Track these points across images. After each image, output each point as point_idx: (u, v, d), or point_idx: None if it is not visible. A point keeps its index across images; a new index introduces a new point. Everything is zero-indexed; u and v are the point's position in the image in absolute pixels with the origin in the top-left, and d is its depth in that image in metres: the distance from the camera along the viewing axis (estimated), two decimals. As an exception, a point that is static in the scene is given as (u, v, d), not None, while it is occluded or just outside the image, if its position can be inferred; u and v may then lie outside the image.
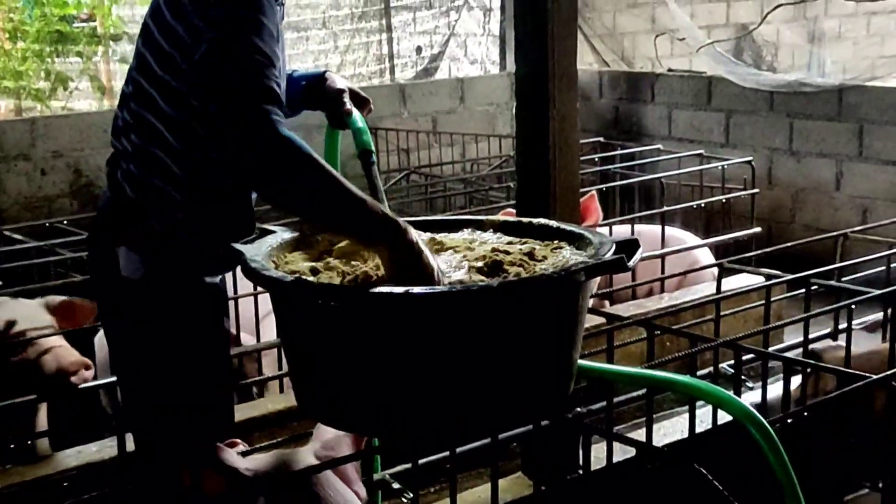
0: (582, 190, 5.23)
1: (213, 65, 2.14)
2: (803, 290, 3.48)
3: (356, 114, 2.71)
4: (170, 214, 2.42)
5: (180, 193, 2.41)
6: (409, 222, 2.35)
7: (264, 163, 2.04)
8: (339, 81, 2.74)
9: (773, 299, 3.55)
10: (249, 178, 2.10)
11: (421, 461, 2.63)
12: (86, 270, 2.69)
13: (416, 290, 1.99)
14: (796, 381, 3.01)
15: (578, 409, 2.62)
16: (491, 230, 2.49)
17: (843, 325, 3.29)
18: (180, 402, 2.50)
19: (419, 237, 2.12)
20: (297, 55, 7.93)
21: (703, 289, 4.84)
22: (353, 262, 2.23)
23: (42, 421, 3.43)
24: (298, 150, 2.05)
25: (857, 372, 2.70)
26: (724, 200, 5.62)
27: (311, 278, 2.14)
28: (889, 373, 2.73)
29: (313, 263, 2.21)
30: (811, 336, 3.27)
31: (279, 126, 2.07)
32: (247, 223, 2.49)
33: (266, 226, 2.49)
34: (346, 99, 2.70)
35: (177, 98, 2.35)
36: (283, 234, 2.40)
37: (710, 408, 2.76)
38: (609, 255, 2.15)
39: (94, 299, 2.66)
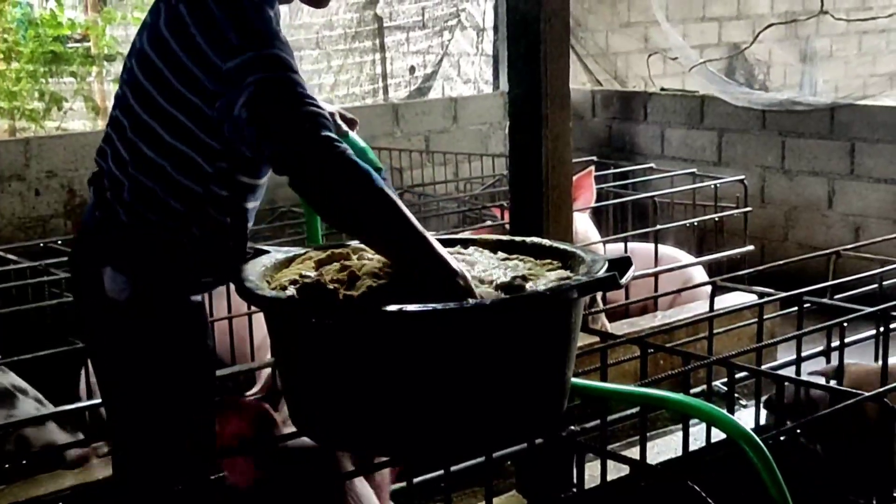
0: (595, 205, 5.31)
1: (261, 110, 2.18)
2: (796, 308, 3.49)
3: (353, 134, 2.71)
4: (161, 242, 2.39)
5: (177, 224, 2.38)
6: None
7: (341, 196, 2.13)
8: (325, 106, 2.74)
9: (765, 317, 3.56)
10: (326, 210, 2.19)
11: (416, 479, 2.63)
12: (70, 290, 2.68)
13: (410, 307, 2.00)
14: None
15: (572, 427, 2.62)
16: (486, 249, 2.50)
17: (835, 343, 3.30)
18: (168, 421, 2.49)
19: (471, 282, 2.15)
20: (291, 75, 7.92)
21: (697, 307, 4.84)
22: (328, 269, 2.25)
23: None
24: (372, 183, 2.13)
25: (850, 389, 2.71)
26: (717, 219, 5.63)
27: (290, 289, 2.16)
28: (882, 389, 2.74)
29: (293, 276, 2.22)
30: (804, 354, 3.28)
31: (347, 153, 2.15)
32: (240, 250, 2.48)
33: (259, 246, 2.51)
34: (340, 121, 2.71)
35: (183, 132, 2.31)
36: (276, 255, 2.41)
37: (703, 425, 2.76)
38: (601, 273, 2.16)
39: (78, 319, 2.64)
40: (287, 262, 2.38)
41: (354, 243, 2.42)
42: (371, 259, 2.26)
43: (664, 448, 3.45)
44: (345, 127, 2.70)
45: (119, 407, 2.55)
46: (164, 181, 2.35)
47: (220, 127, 2.27)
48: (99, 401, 3.21)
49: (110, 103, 7.34)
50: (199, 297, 2.55)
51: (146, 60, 2.34)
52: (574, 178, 4.31)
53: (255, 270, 2.29)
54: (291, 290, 2.15)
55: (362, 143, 2.70)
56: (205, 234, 2.41)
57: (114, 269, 2.39)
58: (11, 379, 3.66)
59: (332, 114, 2.69)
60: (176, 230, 2.38)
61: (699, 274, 5.24)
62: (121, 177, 2.39)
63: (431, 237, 2.17)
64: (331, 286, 2.11)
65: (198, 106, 2.28)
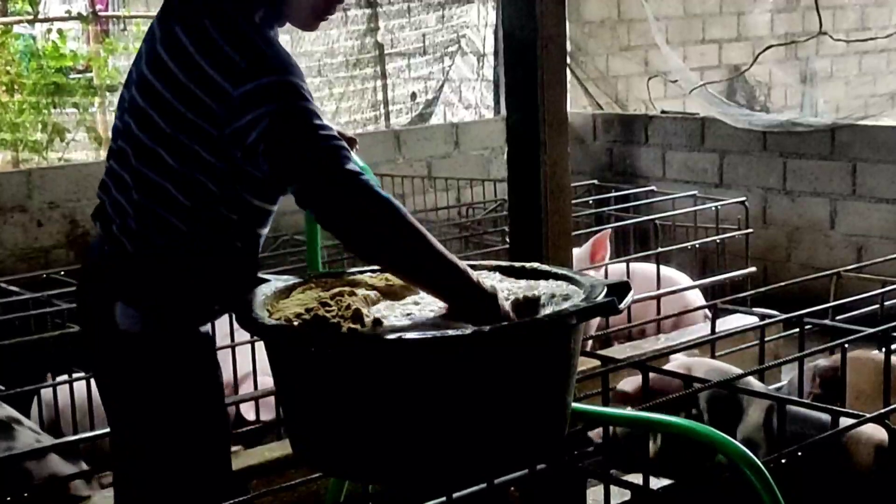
0: (596, 229, 5.31)
1: (280, 142, 2.20)
2: (798, 330, 3.49)
3: (353, 155, 2.72)
4: (170, 269, 2.40)
5: (184, 249, 2.39)
6: None
7: (369, 229, 2.16)
8: None
9: (767, 339, 3.56)
10: (356, 245, 2.23)
11: (418, 507, 2.62)
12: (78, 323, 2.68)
13: (408, 336, 2.00)
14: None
15: (575, 453, 2.62)
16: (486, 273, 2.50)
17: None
18: (181, 452, 2.49)
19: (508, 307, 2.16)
20: (293, 103, 7.95)
21: (699, 330, 4.84)
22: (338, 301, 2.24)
23: None
24: (397, 213, 2.16)
25: (849, 410, 2.71)
26: (718, 241, 5.63)
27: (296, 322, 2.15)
28: (884, 410, 2.73)
29: (299, 309, 2.22)
30: (806, 375, 3.27)
31: (373, 186, 2.18)
32: (251, 275, 2.47)
33: (260, 274, 2.51)
34: None
35: (186, 154, 2.31)
36: (276, 283, 2.41)
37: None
38: (600, 298, 2.16)
39: (87, 352, 2.64)
40: (287, 291, 2.38)
41: (352, 274, 2.42)
42: (369, 292, 2.26)
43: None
44: None
45: (131, 439, 2.55)
46: (167, 203, 2.35)
47: (229, 150, 2.27)
48: (101, 431, 3.23)
49: (112, 134, 7.40)
50: (207, 328, 2.56)
51: (147, 86, 2.34)
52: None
53: (255, 299, 2.30)
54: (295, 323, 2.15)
55: (361, 163, 2.70)
56: (214, 255, 2.41)
57: (125, 304, 2.40)
58: (7, 411, 3.65)
59: None
60: (182, 253, 2.38)
61: (699, 297, 5.23)
62: (126, 205, 2.39)
63: (461, 262, 2.19)
64: (333, 321, 2.11)
65: (204, 129, 2.27)
